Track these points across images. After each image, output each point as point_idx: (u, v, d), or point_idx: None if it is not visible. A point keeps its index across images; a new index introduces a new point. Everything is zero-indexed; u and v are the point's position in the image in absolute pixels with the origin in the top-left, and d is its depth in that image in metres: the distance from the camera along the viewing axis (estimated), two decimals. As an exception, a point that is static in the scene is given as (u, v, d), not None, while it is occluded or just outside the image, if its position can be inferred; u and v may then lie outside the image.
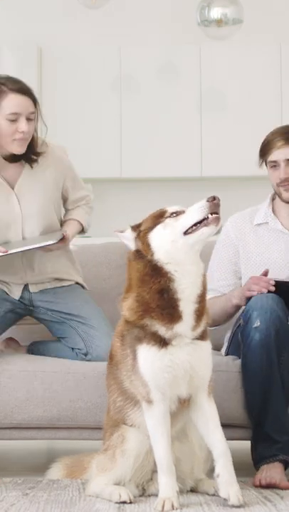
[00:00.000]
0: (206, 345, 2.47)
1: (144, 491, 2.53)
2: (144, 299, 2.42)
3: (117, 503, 2.42)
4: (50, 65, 6.96)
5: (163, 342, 2.39)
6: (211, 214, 2.42)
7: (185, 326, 2.40)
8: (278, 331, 2.77)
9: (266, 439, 2.76)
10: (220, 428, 2.46)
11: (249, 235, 3.24)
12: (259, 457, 2.77)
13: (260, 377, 2.76)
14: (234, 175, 6.83)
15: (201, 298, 2.43)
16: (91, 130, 6.92)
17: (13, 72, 6.77)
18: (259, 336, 2.76)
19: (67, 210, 3.35)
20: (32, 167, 3.13)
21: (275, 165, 3.17)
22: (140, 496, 2.50)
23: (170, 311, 2.39)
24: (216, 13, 5.82)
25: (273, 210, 3.27)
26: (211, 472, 2.52)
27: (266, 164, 3.22)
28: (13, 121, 2.99)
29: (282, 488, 2.63)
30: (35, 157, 3.13)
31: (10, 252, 3.04)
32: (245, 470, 2.78)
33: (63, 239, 3.10)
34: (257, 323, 2.77)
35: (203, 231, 2.41)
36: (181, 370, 2.40)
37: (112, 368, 2.59)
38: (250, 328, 2.79)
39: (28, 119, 3.02)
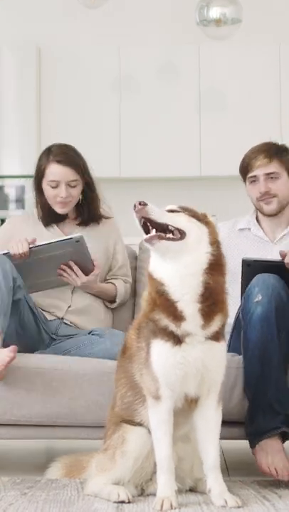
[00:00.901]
0: (220, 347, 2.44)
1: (143, 490, 2.52)
2: (152, 295, 2.44)
3: (115, 502, 2.41)
4: (49, 65, 6.96)
5: (177, 339, 2.38)
6: (146, 232, 2.41)
7: (192, 324, 2.38)
8: (278, 308, 2.79)
9: (267, 410, 2.76)
10: (217, 441, 2.45)
11: (231, 239, 3.31)
12: (258, 431, 2.77)
13: (261, 350, 2.78)
14: (233, 174, 6.74)
15: (206, 297, 2.38)
16: (90, 130, 6.91)
17: (12, 72, 6.75)
18: (261, 310, 2.79)
19: (105, 280, 3.53)
20: (85, 225, 3.49)
21: (254, 180, 3.28)
22: (139, 495, 2.50)
23: (172, 310, 2.39)
24: (214, 12, 5.81)
25: (257, 219, 3.37)
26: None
27: (245, 182, 3.34)
28: (54, 187, 3.39)
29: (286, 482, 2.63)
30: (91, 218, 3.52)
31: (35, 244, 3.22)
32: (244, 470, 2.78)
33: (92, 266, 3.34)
34: (258, 298, 2.80)
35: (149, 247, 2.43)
36: (193, 369, 2.39)
37: (124, 362, 2.57)
38: (251, 303, 2.81)
39: (69, 186, 3.39)
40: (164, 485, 2.38)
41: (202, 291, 2.39)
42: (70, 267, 3.30)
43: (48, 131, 6.77)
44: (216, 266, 2.41)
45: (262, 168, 3.25)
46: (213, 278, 2.40)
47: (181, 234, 2.41)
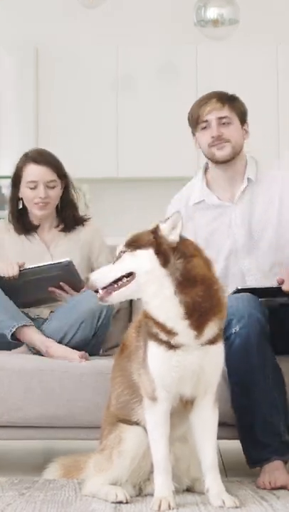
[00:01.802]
0: (217, 349, 2.40)
1: (141, 490, 2.52)
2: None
3: (113, 502, 2.41)
4: (47, 65, 6.96)
5: (171, 345, 2.36)
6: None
7: (185, 338, 2.35)
8: (259, 333, 2.73)
9: (256, 444, 2.72)
10: (214, 440, 2.44)
11: (188, 218, 3.13)
12: (251, 461, 2.75)
13: (243, 382, 2.71)
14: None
15: (191, 313, 2.32)
16: (88, 130, 6.92)
17: (10, 72, 6.75)
18: (239, 341, 2.71)
19: None
20: (68, 231, 3.44)
21: (206, 126, 3.11)
22: (137, 495, 2.50)
23: (163, 327, 2.37)
24: (212, 13, 5.82)
25: (208, 184, 3.19)
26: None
27: (194, 134, 3.16)
28: (33, 188, 3.35)
29: None
30: (72, 223, 3.45)
31: (25, 267, 3.22)
32: (242, 470, 2.78)
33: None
34: (236, 329, 2.72)
35: None
36: (189, 372, 2.38)
37: (122, 360, 2.56)
38: (230, 333, 2.72)
39: (48, 187, 3.34)
40: (162, 485, 2.38)
41: (184, 309, 2.34)
42: (61, 287, 3.28)
43: (46, 132, 6.78)
44: (185, 282, 2.33)
45: (214, 112, 3.10)
46: (190, 294, 2.33)
47: (128, 276, 2.37)
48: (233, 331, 2.73)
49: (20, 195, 3.41)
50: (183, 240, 2.38)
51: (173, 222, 2.36)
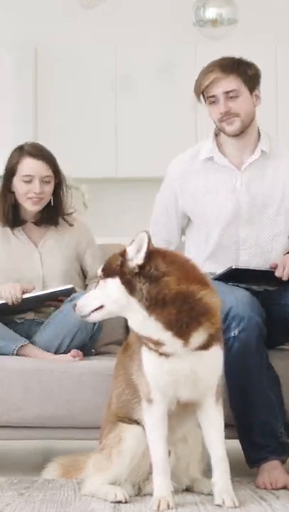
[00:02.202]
0: (211, 354, 2.37)
1: (140, 490, 2.52)
2: None
3: (112, 502, 2.41)
4: (46, 65, 6.95)
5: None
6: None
7: (172, 348, 2.34)
8: (258, 337, 2.73)
9: (254, 444, 2.72)
10: (222, 436, 2.44)
11: (193, 173, 3.12)
12: (251, 461, 2.75)
13: (241, 384, 2.71)
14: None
15: (172, 325, 2.30)
16: (87, 130, 6.91)
17: (9, 72, 6.74)
18: (238, 345, 2.70)
19: (86, 287, 3.44)
20: (55, 228, 3.40)
21: (214, 100, 3.05)
22: (136, 495, 2.50)
23: (147, 339, 2.37)
24: (211, 13, 5.82)
25: (218, 146, 3.13)
26: (206, 472, 2.52)
27: (205, 100, 3.10)
28: (28, 182, 3.30)
29: None
30: (59, 219, 3.40)
31: (28, 296, 3.20)
32: (242, 470, 2.78)
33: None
34: (235, 332, 2.71)
35: None
36: (182, 377, 2.37)
37: (125, 359, 2.56)
38: (229, 336, 2.71)
39: (43, 182, 3.30)
40: (161, 485, 2.39)
41: (164, 324, 2.32)
42: (59, 300, 3.28)
43: (45, 131, 6.77)
44: (154, 305, 2.31)
45: (220, 85, 3.00)
46: (162, 314, 2.31)
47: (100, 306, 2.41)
48: (232, 334, 2.72)
49: (13, 189, 3.35)
50: (152, 259, 2.33)
51: (138, 245, 2.33)
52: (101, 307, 2.41)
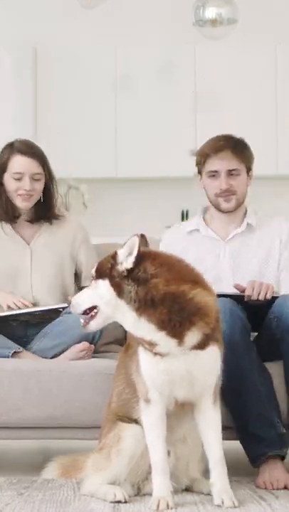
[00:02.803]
0: (207, 354, 2.37)
1: (140, 490, 2.53)
2: None
3: (111, 502, 2.41)
4: (46, 65, 6.95)
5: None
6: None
7: (165, 348, 2.34)
8: (242, 330, 2.75)
9: (253, 439, 2.73)
10: (219, 437, 2.44)
11: (181, 242, 3.21)
12: (253, 459, 2.76)
13: (232, 380, 2.69)
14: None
15: (165, 325, 2.31)
16: (86, 129, 6.91)
17: (9, 72, 6.75)
18: (225, 340, 2.68)
19: (80, 288, 3.41)
20: (48, 225, 3.41)
21: (214, 175, 3.17)
22: (135, 495, 2.50)
23: (141, 339, 2.38)
24: (210, 13, 5.81)
25: (205, 221, 3.27)
26: (206, 472, 2.52)
27: (200, 174, 3.23)
28: (18, 179, 3.31)
29: None
30: (51, 217, 3.41)
31: (17, 311, 3.24)
32: (242, 470, 2.78)
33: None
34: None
35: None
36: (177, 376, 2.37)
37: (126, 358, 2.57)
38: None
39: (33, 179, 3.32)
40: (160, 485, 2.39)
41: (156, 324, 2.33)
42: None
43: (45, 131, 6.77)
44: (144, 306, 2.32)
45: (225, 163, 3.14)
46: (153, 315, 2.32)
47: (92, 309, 2.42)
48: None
49: (4, 186, 3.35)
50: (141, 262, 2.35)
51: (129, 248, 2.36)
52: (94, 308, 2.42)
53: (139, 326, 2.35)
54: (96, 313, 2.43)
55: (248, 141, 3.30)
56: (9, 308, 3.24)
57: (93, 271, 2.44)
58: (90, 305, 2.43)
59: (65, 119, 6.86)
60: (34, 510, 2.36)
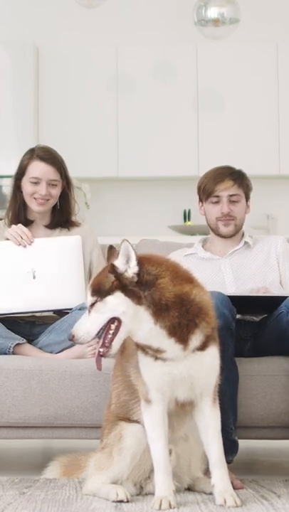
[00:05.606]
0: (208, 355, 2.39)
1: (142, 489, 2.52)
2: None
3: (114, 501, 2.41)
4: (47, 65, 6.96)
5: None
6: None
7: (172, 354, 2.35)
8: (221, 330, 2.68)
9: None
10: (219, 437, 2.44)
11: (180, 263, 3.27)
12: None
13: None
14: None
15: (174, 331, 2.32)
16: (88, 129, 6.91)
17: (9, 71, 6.75)
18: None
19: None
20: (60, 231, 3.49)
21: (217, 201, 3.36)
22: (137, 494, 2.50)
23: (148, 347, 2.37)
24: (212, 12, 5.82)
25: (202, 247, 3.44)
26: (208, 471, 2.52)
27: (202, 202, 3.40)
28: (35, 183, 3.41)
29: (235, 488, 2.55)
30: (68, 224, 3.50)
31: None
32: (242, 469, 2.79)
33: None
34: None
35: None
36: (179, 378, 2.37)
37: (122, 360, 2.57)
38: None
39: (50, 185, 3.41)
40: (162, 484, 2.38)
41: (167, 331, 2.33)
42: None
43: (46, 131, 6.77)
44: (160, 310, 2.31)
45: (226, 190, 3.35)
46: (167, 318, 2.32)
47: (114, 322, 2.34)
48: None
49: (21, 189, 3.45)
50: (143, 266, 2.34)
51: (125, 255, 2.34)
52: (115, 325, 2.34)
53: (153, 333, 2.33)
54: (113, 333, 2.34)
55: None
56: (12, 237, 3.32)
57: (90, 297, 2.37)
58: (99, 329, 2.35)
59: (66, 119, 6.87)
60: (36, 510, 2.35)
